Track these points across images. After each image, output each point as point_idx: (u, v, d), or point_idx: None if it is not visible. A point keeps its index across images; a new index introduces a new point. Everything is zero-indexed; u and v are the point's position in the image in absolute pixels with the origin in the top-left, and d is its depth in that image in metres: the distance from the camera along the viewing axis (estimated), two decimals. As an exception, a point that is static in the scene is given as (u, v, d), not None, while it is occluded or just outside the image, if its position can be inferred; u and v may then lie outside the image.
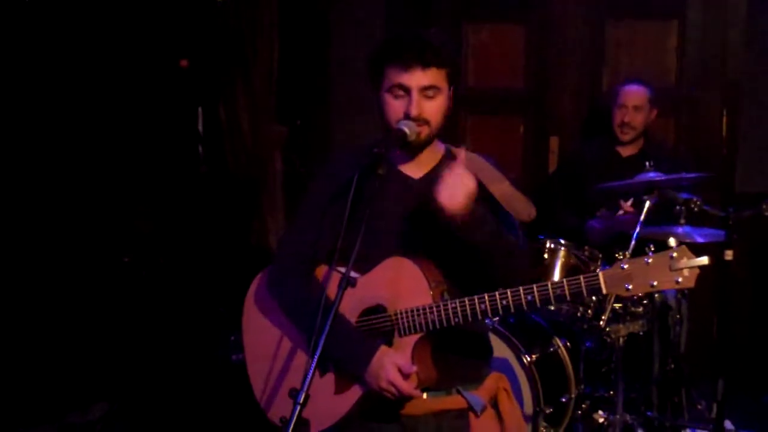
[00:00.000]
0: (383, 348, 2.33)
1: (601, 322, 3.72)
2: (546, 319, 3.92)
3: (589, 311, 3.79)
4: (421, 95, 2.36)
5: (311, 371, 2.09)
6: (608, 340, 3.86)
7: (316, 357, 2.12)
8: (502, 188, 2.45)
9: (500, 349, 3.63)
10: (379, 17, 5.05)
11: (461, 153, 2.42)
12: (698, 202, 3.63)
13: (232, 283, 4.68)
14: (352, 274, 2.26)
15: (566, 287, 2.22)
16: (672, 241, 2.19)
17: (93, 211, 4.64)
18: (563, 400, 3.78)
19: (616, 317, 3.82)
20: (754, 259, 4.46)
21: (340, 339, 2.29)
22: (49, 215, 4.46)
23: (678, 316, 4.01)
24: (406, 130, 2.35)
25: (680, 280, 2.15)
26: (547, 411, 3.69)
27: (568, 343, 3.90)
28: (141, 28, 4.59)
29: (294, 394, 2.09)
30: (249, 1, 4.98)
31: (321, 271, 2.53)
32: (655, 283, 2.16)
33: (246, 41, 5.01)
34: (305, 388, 2.09)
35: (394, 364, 2.29)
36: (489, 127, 4.98)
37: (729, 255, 3.52)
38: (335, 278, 2.33)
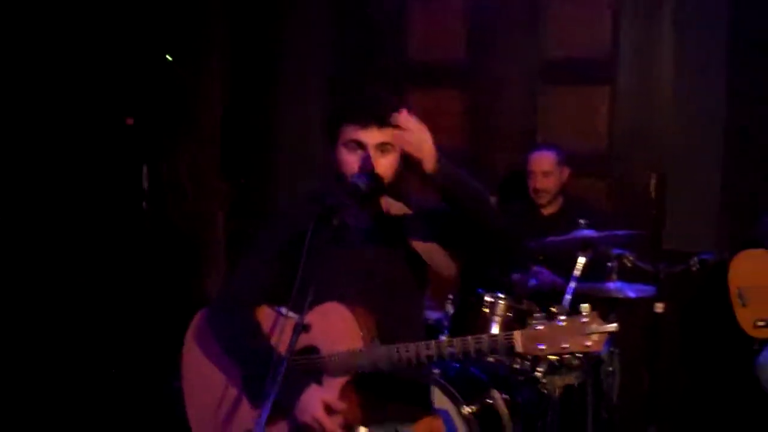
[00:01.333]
0: (313, 386, 2.46)
1: (538, 374, 3.84)
2: (485, 372, 4.02)
3: (528, 363, 3.91)
4: (376, 151, 2.50)
5: (264, 414, 2.22)
6: (545, 392, 3.97)
7: (270, 398, 2.24)
8: (425, 246, 2.60)
9: (441, 400, 3.71)
10: (323, 76, 5.21)
11: (395, 206, 2.60)
12: (631, 258, 3.80)
13: (167, 336, 4.73)
14: (290, 314, 2.46)
15: (485, 343, 2.37)
16: (584, 307, 2.32)
17: (32, 261, 4.64)
18: (501, 451, 3.87)
19: (552, 369, 3.94)
20: (682, 313, 4.64)
21: (272, 375, 2.38)
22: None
23: (610, 368, 4.16)
24: (360, 184, 2.49)
25: (589, 344, 2.29)
26: (486, 462, 3.78)
27: (506, 396, 4.00)
28: (89, 83, 4.67)
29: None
30: (193, 62, 5.11)
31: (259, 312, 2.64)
32: (566, 345, 2.30)
33: (188, 100, 5.12)
34: (264, 417, 2.22)
35: (321, 402, 2.43)
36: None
37: (660, 308, 3.70)
38: (270, 315, 2.58)
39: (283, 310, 2.57)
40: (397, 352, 2.41)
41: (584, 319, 2.28)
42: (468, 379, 3.98)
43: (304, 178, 5.17)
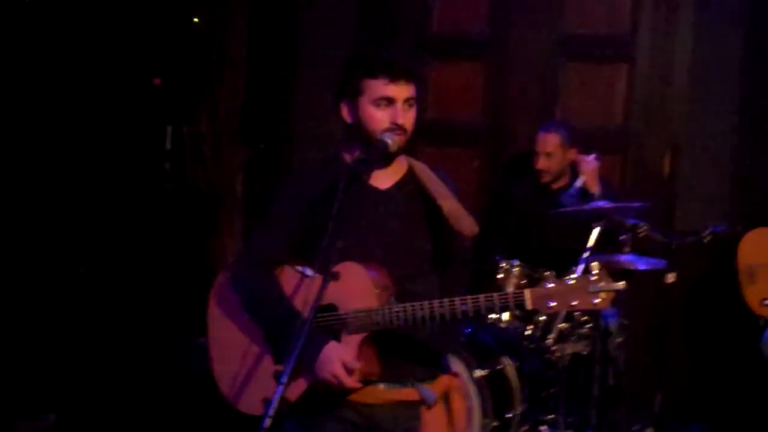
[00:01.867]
0: (331, 343, 2.52)
1: (549, 341, 3.94)
2: (495, 338, 4.12)
3: (538, 331, 4.01)
4: (404, 105, 2.58)
5: (288, 370, 2.28)
6: (552, 359, 4.07)
7: (294, 356, 2.30)
8: (449, 204, 2.65)
9: (453, 363, 3.79)
10: (346, 48, 5.27)
11: (423, 169, 2.69)
12: (645, 228, 3.88)
13: (188, 297, 4.83)
14: (309, 272, 2.52)
15: (496, 301, 2.43)
16: (595, 265, 2.39)
17: (52, 220, 4.73)
18: (508, 415, 3.97)
19: (561, 337, 4.04)
20: (692, 284, 4.73)
21: (296, 332, 2.45)
22: (7, 222, 4.55)
23: (619, 340, 4.24)
24: (389, 141, 2.56)
25: (597, 301, 2.35)
26: (494, 424, 3.88)
27: (516, 363, 4.10)
28: (119, 44, 4.75)
29: (277, 375, 2.30)
30: (220, 26, 5.18)
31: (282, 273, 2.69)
32: (575, 303, 2.36)
33: (213, 64, 5.20)
34: (288, 372, 2.28)
35: (339, 359, 2.49)
36: (446, 158, 5.19)
37: (671, 278, 3.78)
38: (293, 276, 2.61)
39: (308, 271, 2.62)
40: (412, 309, 2.48)
41: (593, 278, 2.35)
42: (479, 344, 4.07)
43: (322, 146, 5.25)
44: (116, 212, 4.94)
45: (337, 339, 2.55)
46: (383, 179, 2.67)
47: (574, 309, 2.41)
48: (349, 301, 2.54)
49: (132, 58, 4.84)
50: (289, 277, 2.67)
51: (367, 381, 2.57)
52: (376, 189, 2.66)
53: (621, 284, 2.36)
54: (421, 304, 2.48)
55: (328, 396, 2.57)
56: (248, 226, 5.28)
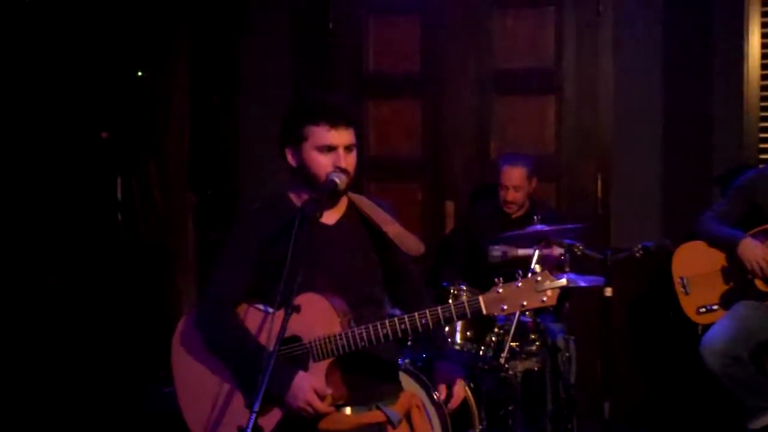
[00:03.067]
0: (300, 373, 2.65)
1: (501, 359, 4.13)
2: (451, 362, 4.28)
3: (490, 351, 4.20)
4: (344, 151, 2.76)
5: (258, 399, 2.41)
6: (507, 377, 4.25)
7: (261, 390, 2.43)
8: (393, 228, 2.84)
9: (412, 387, 3.94)
10: (285, 94, 5.46)
11: (362, 200, 2.88)
12: (581, 247, 4.12)
13: (147, 343, 4.90)
14: (269, 309, 2.66)
15: (452, 309, 2.60)
16: (537, 267, 2.59)
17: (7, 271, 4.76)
18: (468, 434, 4.14)
19: (513, 355, 4.24)
20: (630, 297, 4.99)
21: (264, 364, 2.55)
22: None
23: (567, 354, 4.47)
24: (337, 180, 2.74)
25: (545, 299, 2.52)
26: (455, 444, 4.03)
27: (472, 384, 4.27)
28: (66, 99, 4.85)
29: (250, 405, 2.41)
30: (164, 79, 5.32)
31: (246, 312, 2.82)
32: (525, 303, 2.53)
33: (159, 116, 5.33)
34: (259, 399, 2.41)
35: (310, 387, 2.62)
36: (389, 193, 5.38)
37: (608, 292, 4.04)
38: (255, 314, 2.75)
39: (269, 309, 2.74)
40: (375, 328, 2.63)
41: (538, 278, 2.53)
42: (435, 368, 4.23)
43: (267, 190, 5.39)
44: (68, 259, 4.99)
45: (305, 368, 2.67)
46: (329, 216, 2.84)
47: (525, 309, 2.56)
48: (313, 330, 2.67)
49: (80, 112, 4.94)
50: (251, 315, 2.79)
51: (337, 405, 2.70)
52: (325, 225, 2.82)
53: (563, 281, 2.54)
54: (382, 323, 2.63)
55: (300, 426, 2.69)
56: (202, 271, 5.38)
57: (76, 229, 4.98)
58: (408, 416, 2.87)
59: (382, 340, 2.65)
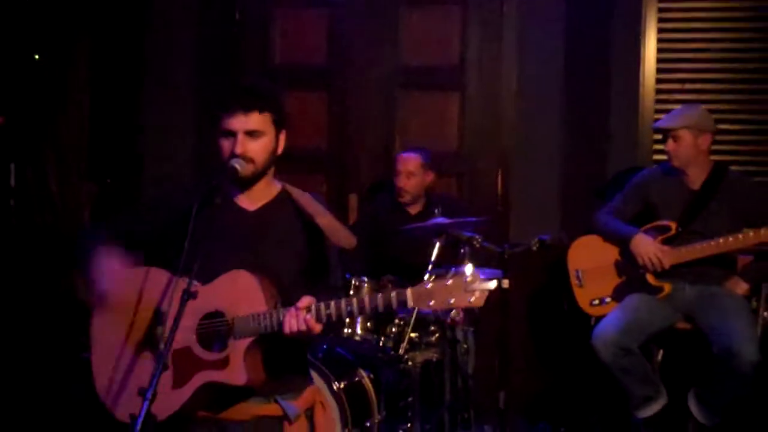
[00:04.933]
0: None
1: (401, 350, 4.18)
2: (351, 352, 4.32)
3: (390, 342, 4.24)
4: (245, 137, 2.73)
5: (158, 374, 2.38)
6: (406, 368, 4.30)
7: (159, 368, 2.40)
8: (326, 221, 2.83)
9: (313, 378, 3.96)
10: (190, 79, 5.40)
11: (301, 194, 2.87)
12: (479, 239, 4.20)
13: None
14: (195, 283, 2.57)
15: (379, 300, 2.60)
16: (468, 267, 2.64)
17: None
18: (367, 424, 4.16)
19: (413, 346, 4.29)
20: (528, 289, 5.12)
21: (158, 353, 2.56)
22: None
23: (465, 346, 4.55)
24: (237, 166, 2.70)
25: (472, 299, 2.55)
26: (354, 433, 4.06)
27: (371, 375, 4.30)
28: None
29: (143, 392, 2.37)
30: (62, 63, 5.19)
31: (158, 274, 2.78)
32: (452, 301, 2.55)
33: (57, 101, 5.20)
34: (153, 387, 2.37)
35: None
36: (293, 184, 5.35)
37: (506, 284, 4.13)
38: (161, 274, 2.73)
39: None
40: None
41: (468, 278, 2.56)
42: (335, 358, 4.24)
43: (168, 178, 5.34)
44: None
45: (224, 345, 2.64)
46: (250, 201, 2.83)
47: (451, 307, 2.58)
48: (238, 307, 2.64)
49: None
50: (153, 274, 2.75)
51: (252, 389, 2.67)
52: (244, 210, 2.82)
53: (492, 284, 2.58)
54: (308, 309, 2.60)
55: (213, 402, 2.67)
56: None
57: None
58: (310, 412, 2.85)
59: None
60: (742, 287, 4.37)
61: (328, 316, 2.62)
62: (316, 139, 5.49)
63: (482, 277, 4.14)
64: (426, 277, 3.68)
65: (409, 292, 2.57)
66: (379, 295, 2.61)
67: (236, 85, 2.85)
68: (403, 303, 2.59)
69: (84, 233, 2.88)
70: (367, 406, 4.20)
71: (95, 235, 2.84)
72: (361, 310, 2.62)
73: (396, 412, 4.42)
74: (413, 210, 4.94)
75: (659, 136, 5.06)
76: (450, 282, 2.56)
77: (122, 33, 5.38)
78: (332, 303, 2.62)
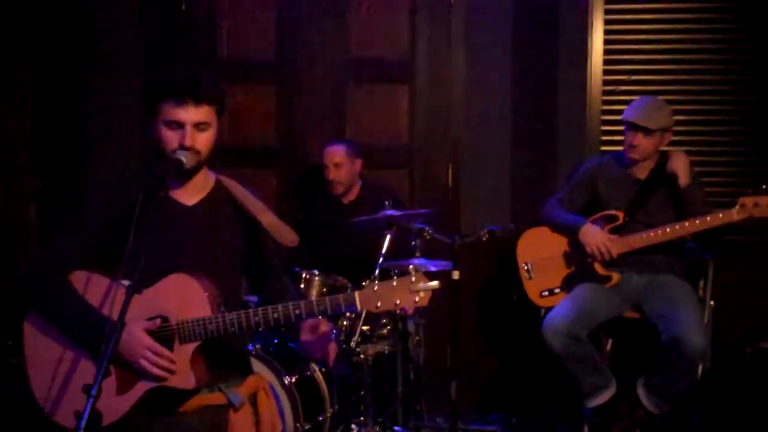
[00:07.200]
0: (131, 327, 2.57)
1: (353, 344, 4.17)
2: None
3: (342, 335, 4.23)
4: (193, 129, 2.69)
5: (102, 370, 2.35)
6: (357, 361, 4.30)
7: (105, 360, 2.37)
8: (267, 218, 2.82)
9: (264, 372, 3.93)
10: (137, 75, 5.32)
11: (235, 186, 2.83)
12: (430, 231, 4.21)
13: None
14: (124, 282, 2.55)
15: (328, 304, 2.62)
16: (412, 268, 2.67)
17: None
18: (320, 418, 4.16)
19: (365, 339, 4.28)
20: (478, 280, 5.14)
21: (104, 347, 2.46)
22: None
23: (417, 338, 4.55)
24: (183, 158, 2.67)
25: (417, 299, 2.61)
26: (307, 427, 4.04)
27: (323, 369, 4.29)
28: None
29: (87, 388, 2.34)
30: (4, 53, 5.08)
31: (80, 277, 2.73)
32: (398, 302, 2.60)
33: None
34: (98, 383, 2.33)
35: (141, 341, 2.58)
36: (243, 179, 5.31)
37: (456, 275, 4.15)
38: (102, 281, 2.67)
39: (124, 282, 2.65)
40: (246, 316, 2.61)
41: (413, 279, 2.60)
42: (287, 353, 4.22)
43: (116, 170, 5.26)
44: None
45: (170, 349, 2.62)
46: (188, 195, 2.78)
47: (398, 308, 2.62)
48: (181, 311, 2.63)
49: None
50: (94, 282, 2.70)
51: (198, 388, 2.66)
52: (182, 205, 2.77)
53: (436, 284, 2.62)
54: (255, 310, 2.61)
55: (158, 405, 2.65)
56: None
57: None
58: (253, 399, 2.85)
59: (253, 327, 2.64)
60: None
61: (276, 320, 2.62)
62: (265, 134, 5.44)
63: (431, 269, 4.25)
64: (372, 277, 3.68)
65: (357, 295, 2.61)
66: (327, 299, 2.62)
67: (182, 75, 2.74)
68: (351, 306, 2.61)
69: (33, 273, 2.74)
70: (319, 400, 4.20)
71: (46, 273, 2.71)
72: (309, 314, 2.63)
73: (349, 405, 4.42)
74: (347, 199, 4.96)
75: (608, 127, 5.13)
76: (396, 283, 2.61)
77: (67, 17, 5.27)
78: (280, 307, 2.62)
